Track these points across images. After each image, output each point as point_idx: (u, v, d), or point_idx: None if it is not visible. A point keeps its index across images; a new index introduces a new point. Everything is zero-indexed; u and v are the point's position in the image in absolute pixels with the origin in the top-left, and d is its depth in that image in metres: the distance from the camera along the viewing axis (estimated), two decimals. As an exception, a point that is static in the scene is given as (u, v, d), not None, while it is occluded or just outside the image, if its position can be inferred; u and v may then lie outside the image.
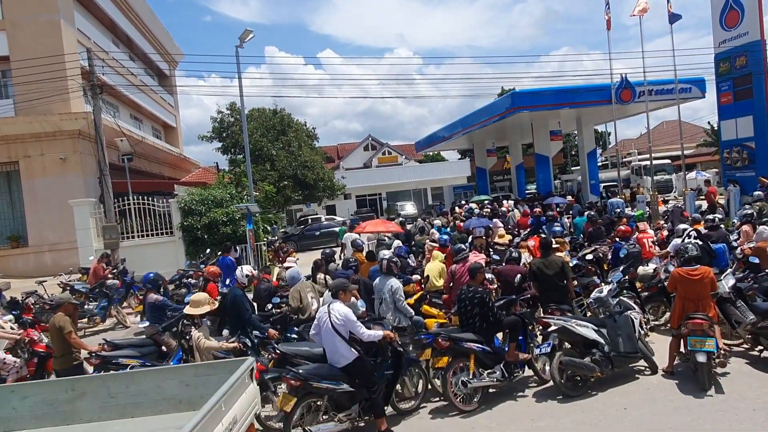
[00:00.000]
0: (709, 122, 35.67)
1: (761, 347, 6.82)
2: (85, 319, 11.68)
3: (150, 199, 17.33)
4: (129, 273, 13.53)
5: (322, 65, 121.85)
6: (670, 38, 42.54)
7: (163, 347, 7.43)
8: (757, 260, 7.84)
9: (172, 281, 12.38)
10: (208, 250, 15.91)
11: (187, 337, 5.55)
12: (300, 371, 5.46)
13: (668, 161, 31.94)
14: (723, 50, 19.18)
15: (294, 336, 7.28)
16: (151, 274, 8.46)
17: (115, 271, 13.46)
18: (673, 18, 19.45)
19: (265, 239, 18.13)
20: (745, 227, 10.00)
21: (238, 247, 16.59)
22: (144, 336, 7.75)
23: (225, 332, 6.14)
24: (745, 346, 7.21)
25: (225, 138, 32.23)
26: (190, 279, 12.52)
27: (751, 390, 6.01)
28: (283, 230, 29.09)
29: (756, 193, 14.41)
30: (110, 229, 15.63)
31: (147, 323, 7.94)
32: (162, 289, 9.70)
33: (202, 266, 13.31)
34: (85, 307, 11.81)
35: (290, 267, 9.59)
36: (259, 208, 18.01)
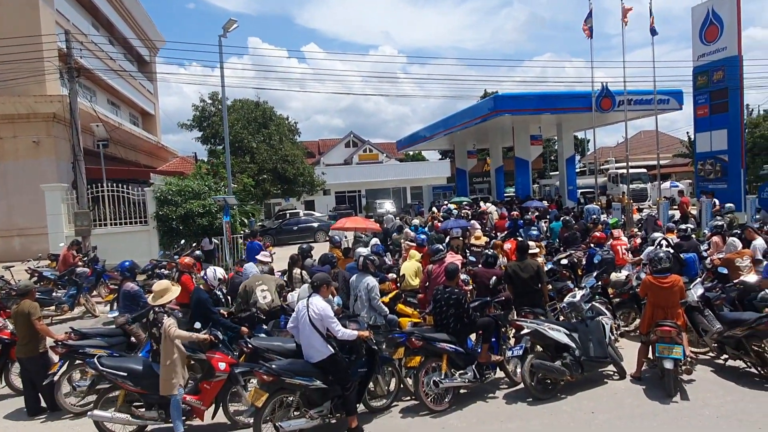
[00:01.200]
0: (687, 133, 36.40)
1: (726, 356, 6.97)
2: (53, 307, 11.40)
3: (125, 186, 17.03)
4: (100, 261, 13.25)
5: (305, 59, 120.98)
6: (651, 50, 43.23)
7: (132, 338, 7.31)
8: (725, 271, 8.05)
9: (144, 271, 12.17)
10: (182, 241, 15.71)
11: (159, 325, 5.45)
12: (273, 366, 5.41)
13: (644, 170, 32.48)
14: (701, 64, 19.57)
15: (262, 335, 7.21)
16: (128, 263, 8.31)
17: (85, 258, 13.19)
18: (654, 32, 20.02)
19: (242, 232, 17.96)
20: (716, 238, 10.24)
21: (214, 240, 16.43)
22: (113, 326, 7.61)
23: (197, 325, 6.03)
24: (711, 354, 7.38)
25: (205, 128, 31.82)
26: (163, 270, 12.33)
27: (715, 398, 6.15)
28: (260, 224, 28.83)
29: (728, 205, 14.72)
30: (82, 216, 15.30)
31: (117, 313, 7.78)
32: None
33: (176, 257, 13.11)
34: (53, 294, 11.54)
35: (265, 261, 9.48)
36: (237, 200, 17.82)
